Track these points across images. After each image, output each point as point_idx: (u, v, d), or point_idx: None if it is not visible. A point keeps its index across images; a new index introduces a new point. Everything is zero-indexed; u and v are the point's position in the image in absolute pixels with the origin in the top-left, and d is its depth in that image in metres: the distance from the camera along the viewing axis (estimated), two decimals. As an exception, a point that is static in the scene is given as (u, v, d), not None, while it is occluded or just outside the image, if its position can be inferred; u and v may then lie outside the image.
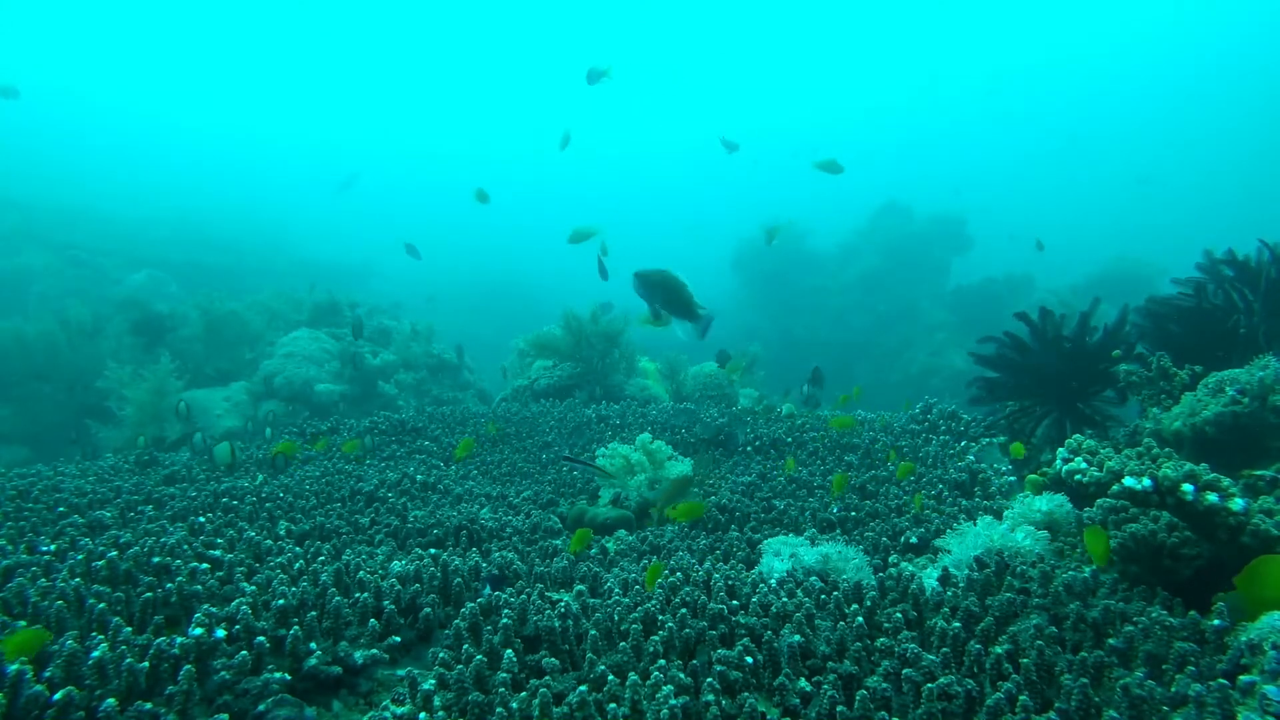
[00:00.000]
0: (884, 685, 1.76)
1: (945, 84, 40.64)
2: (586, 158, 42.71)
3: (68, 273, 13.33)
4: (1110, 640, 1.92)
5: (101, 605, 2.19)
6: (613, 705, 1.76)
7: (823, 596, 2.34)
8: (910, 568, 2.95)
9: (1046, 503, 3.05)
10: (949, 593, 2.36)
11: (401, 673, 2.20)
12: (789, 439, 4.99)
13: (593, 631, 2.07)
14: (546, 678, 1.91)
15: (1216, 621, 1.95)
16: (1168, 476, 2.57)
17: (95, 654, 1.85)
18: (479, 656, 1.94)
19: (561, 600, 2.33)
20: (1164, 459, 2.82)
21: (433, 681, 1.93)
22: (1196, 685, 1.61)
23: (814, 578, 2.56)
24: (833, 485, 3.61)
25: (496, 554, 3.03)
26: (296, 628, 2.16)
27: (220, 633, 2.05)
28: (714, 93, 42.05)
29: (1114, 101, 38.39)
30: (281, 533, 3.32)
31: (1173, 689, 1.67)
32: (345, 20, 38.61)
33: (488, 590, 2.55)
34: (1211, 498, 2.47)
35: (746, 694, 1.78)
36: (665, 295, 2.93)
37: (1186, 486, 2.52)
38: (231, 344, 8.84)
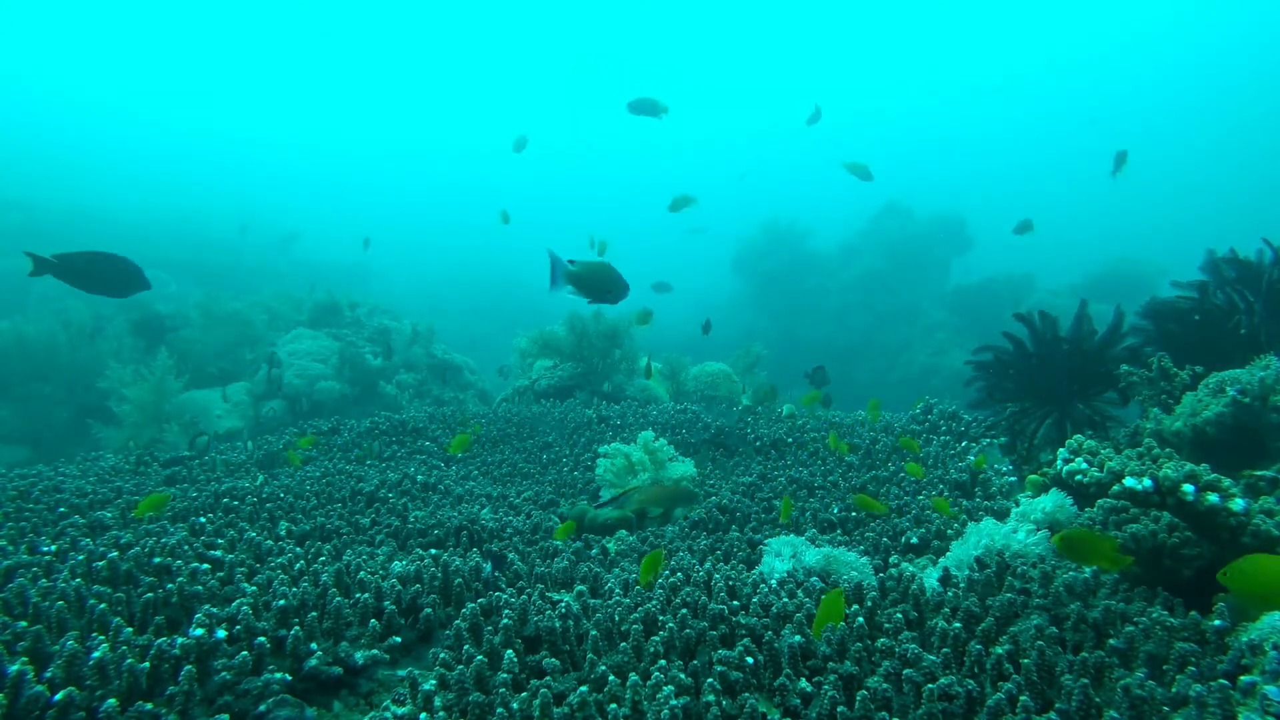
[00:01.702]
0: (885, 685, 1.76)
1: (946, 85, 40.67)
2: (587, 157, 42.73)
3: (68, 273, 13.29)
4: (1111, 641, 1.92)
5: (102, 606, 2.19)
6: (613, 706, 1.76)
7: (823, 597, 2.34)
8: (911, 568, 2.95)
9: (1049, 503, 3.05)
10: (950, 593, 2.36)
11: (402, 673, 2.20)
12: (789, 439, 4.99)
13: (593, 632, 2.07)
14: (547, 678, 1.91)
15: (1217, 622, 1.95)
16: (1168, 477, 2.57)
17: (96, 654, 1.85)
18: (479, 657, 1.94)
19: (562, 601, 2.33)
20: (1165, 459, 2.82)
21: (433, 682, 1.93)
22: (1197, 686, 1.60)
23: (815, 578, 2.56)
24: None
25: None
26: (297, 628, 2.16)
27: (221, 633, 2.05)
28: (714, 93, 42.08)
29: (1115, 102, 38.39)
30: (282, 533, 3.32)
31: (1173, 689, 1.67)
32: (345, 19, 38.63)
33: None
34: (1212, 498, 2.47)
35: (747, 694, 1.78)
36: (605, 286, 2.95)
37: (1187, 487, 2.51)
38: (232, 344, 8.84)
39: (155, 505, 3.23)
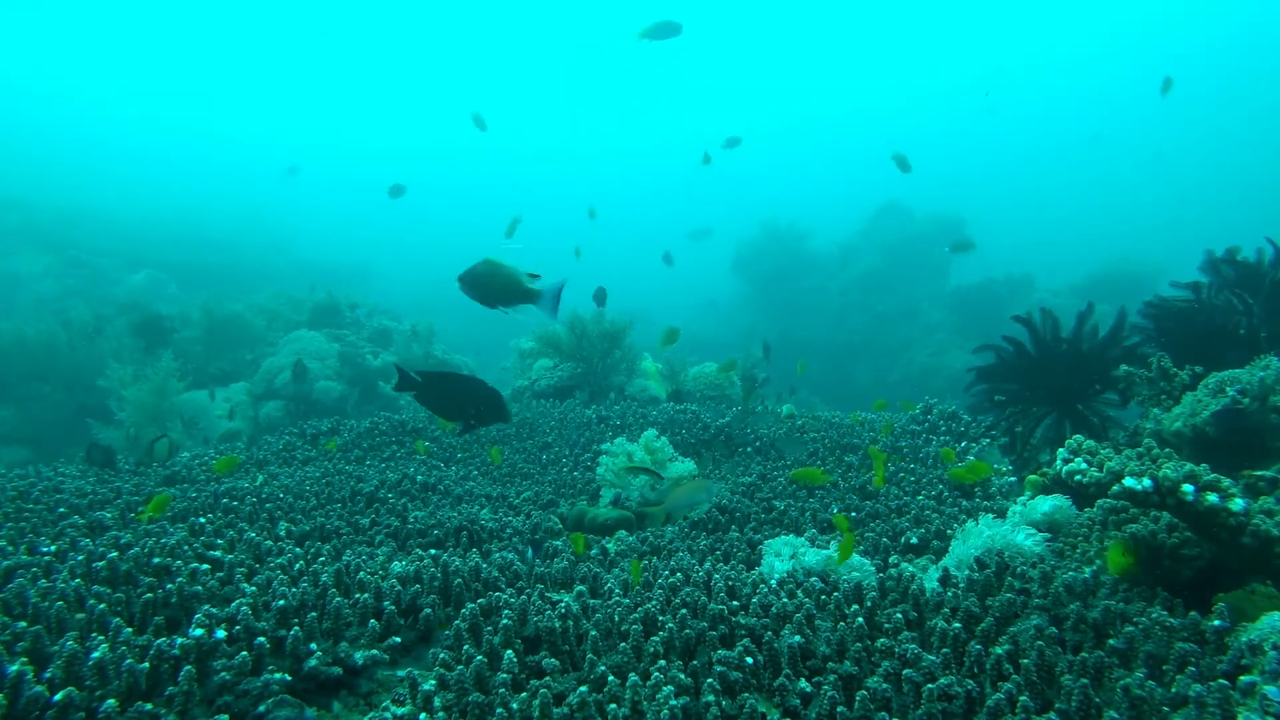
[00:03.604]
0: (884, 686, 1.76)
1: (946, 84, 40.64)
2: (585, 158, 42.74)
3: (68, 273, 13.32)
4: (1111, 641, 1.92)
5: (102, 606, 2.19)
6: (613, 706, 1.76)
7: (823, 597, 2.34)
8: (910, 568, 2.95)
9: (1048, 503, 3.05)
10: (949, 593, 2.36)
11: (402, 673, 2.20)
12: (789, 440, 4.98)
13: (593, 632, 2.07)
14: (547, 678, 1.91)
15: (1217, 622, 1.95)
16: (1168, 477, 2.57)
17: (95, 655, 1.85)
18: (479, 657, 1.94)
19: (562, 601, 2.33)
20: (1164, 459, 2.82)
21: (433, 682, 1.93)
22: (1197, 686, 1.61)
23: (814, 578, 2.56)
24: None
25: (497, 554, 3.03)
26: (297, 628, 2.16)
27: (220, 633, 2.04)
28: (713, 93, 42.07)
29: (1116, 101, 38.39)
30: (282, 533, 3.32)
31: (1173, 689, 1.67)
32: (345, 19, 38.63)
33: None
34: (1212, 498, 2.47)
35: (747, 694, 1.78)
36: (496, 287, 2.70)
37: (1187, 487, 2.51)
38: (232, 345, 8.85)
39: (159, 506, 3.24)
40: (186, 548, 2.82)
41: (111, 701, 1.72)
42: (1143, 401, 3.87)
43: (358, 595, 2.39)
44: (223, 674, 1.92)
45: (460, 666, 1.94)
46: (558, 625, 2.12)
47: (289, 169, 19.79)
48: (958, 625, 1.98)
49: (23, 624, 2.08)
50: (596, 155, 43.64)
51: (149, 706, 1.76)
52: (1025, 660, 1.79)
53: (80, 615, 2.18)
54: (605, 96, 42.44)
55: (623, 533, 3.61)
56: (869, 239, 18.05)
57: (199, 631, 1.99)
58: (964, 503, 3.70)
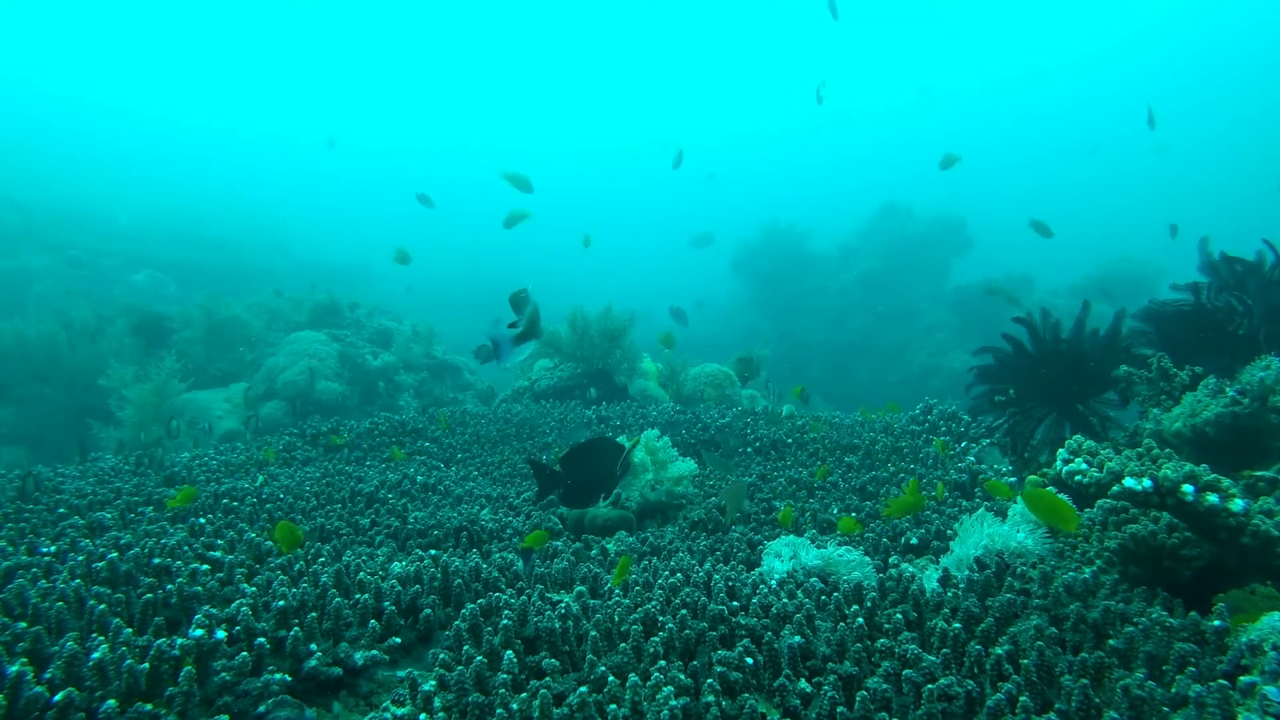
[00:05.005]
0: (884, 686, 1.76)
1: (946, 85, 40.64)
2: (586, 159, 42.74)
3: (67, 273, 13.34)
4: (1110, 641, 1.92)
5: (102, 606, 2.19)
6: (613, 706, 1.76)
7: (823, 598, 2.34)
8: (910, 569, 2.95)
9: (1047, 503, 3.05)
10: (949, 594, 2.36)
11: (402, 674, 2.20)
12: (789, 440, 4.98)
13: (593, 632, 2.07)
14: (547, 679, 1.91)
15: (1217, 622, 1.94)
16: (1168, 477, 2.57)
17: (95, 655, 1.85)
18: (479, 657, 1.94)
19: (562, 601, 2.33)
20: (1164, 460, 2.82)
21: (433, 682, 1.93)
22: (1197, 686, 1.60)
23: (814, 579, 2.56)
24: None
25: (497, 555, 3.03)
26: (297, 629, 2.16)
27: (220, 634, 2.04)
28: (714, 93, 42.08)
29: (1115, 102, 38.37)
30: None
31: (1173, 690, 1.67)
32: (344, 18, 38.65)
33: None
34: (1212, 498, 2.47)
35: (747, 695, 1.78)
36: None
37: (1187, 487, 2.51)
38: (232, 345, 8.85)
39: (187, 498, 3.31)
40: (186, 548, 2.82)
41: (111, 702, 1.72)
42: (1143, 402, 3.87)
43: (358, 596, 2.39)
44: (223, 674, 1.92)
45: (460, 667, 1.94)
46: (558, 626, 2.12)
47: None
48: (958, 625, 1.98)
49: (23, 624, 2.08)
50: (596, 156, 43.62)
51: (149, 707, 1.76)
52: (1025, 660, 1.79)
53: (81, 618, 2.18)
54: (603, 97, 42.45)
55: (623, 533, 3.61)
56: (869, 240, 18.07)
57: (199, 632, 1.99)
58: (964, 503, 3.70)
